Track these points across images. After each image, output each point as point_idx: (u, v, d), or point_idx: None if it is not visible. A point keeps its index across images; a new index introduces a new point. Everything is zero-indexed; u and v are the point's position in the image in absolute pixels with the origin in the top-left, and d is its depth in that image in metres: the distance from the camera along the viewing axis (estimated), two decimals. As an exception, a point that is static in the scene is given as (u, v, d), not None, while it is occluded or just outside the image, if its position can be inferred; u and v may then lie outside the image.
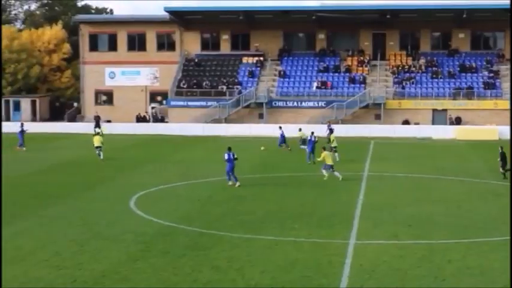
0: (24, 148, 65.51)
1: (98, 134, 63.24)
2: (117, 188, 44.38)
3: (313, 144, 53.78)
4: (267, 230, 32.60)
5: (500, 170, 45.78)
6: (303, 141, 61.06)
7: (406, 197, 41.37)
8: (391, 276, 25.58)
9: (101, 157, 57.38)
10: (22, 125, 69.05)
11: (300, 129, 63.84)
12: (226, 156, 44.66)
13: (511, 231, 23.69)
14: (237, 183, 44.38)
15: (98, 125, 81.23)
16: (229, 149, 45.33)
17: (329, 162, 45.91)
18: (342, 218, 35.13)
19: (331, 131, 66.73)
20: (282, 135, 59.53)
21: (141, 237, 31.70)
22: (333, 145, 54.17)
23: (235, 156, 44.84)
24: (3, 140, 64.83)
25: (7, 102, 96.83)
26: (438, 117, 79.68)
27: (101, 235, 32.23)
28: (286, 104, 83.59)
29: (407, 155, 60.75)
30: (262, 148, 53.03)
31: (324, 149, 46.93)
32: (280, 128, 64.41)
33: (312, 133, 54.94)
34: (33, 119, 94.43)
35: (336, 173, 45.88)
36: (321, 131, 65.61)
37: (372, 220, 34.64)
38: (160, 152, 62.61)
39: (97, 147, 58.40)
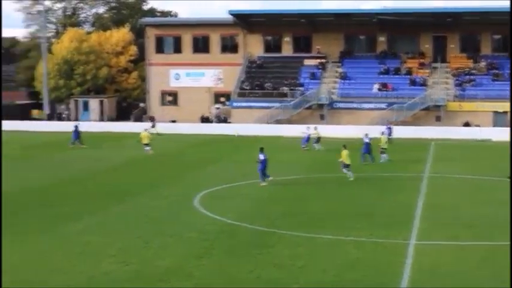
0: (83, 145, 66.64)
1: (145, 130, 64.61)
2: (182, 186, 44.67)
3: (368, 146, 53.42)
4: (328, 229, 32.59)
5: None
6: (317, 139, 63.16)
7: (468, 198, 40.93)
8: (452, 277, 25.42)
9: (150, 152, 60.00)
10: (77, 125, 69.91)
11: (316, 128, 65.26)
12: (261, 157, 44.92)
13: (511, 231, 22.29)
14: (265, 182, 44.71)
15: (153, 125, 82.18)
16: (262, 149, 45.59)
17: (347, 161, 46.16)
18: (402, 219, 34.96)
19: (389, 130, 66.56)
20: (308, 136, 58.74)
21: (205, 235, 31.86)
22: (382, 146, 54.20)
23: (265, 157, 45.04)
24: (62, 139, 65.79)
25: (76, 102, 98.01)
26: (499, 119, 78.54)
27: (166, 232, 32.46)
28: (347, 105, 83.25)
29: (468, 156, 60.03)
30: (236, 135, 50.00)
31: (344, 147, 46.77)
32: (315, 128, 65.68)
33: (366, 135, 54.56)
34: (101, 118, 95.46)
35: (350, 173, 46.24)
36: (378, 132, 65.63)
37: (432, 221, 34.45)
38: (223, 152, 62.81)
39: (145, 144, 60.34)
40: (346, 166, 46.09)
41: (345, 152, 45.92)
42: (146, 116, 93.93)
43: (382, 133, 55.90)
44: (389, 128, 68.20)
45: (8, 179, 48.08)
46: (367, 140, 53.64)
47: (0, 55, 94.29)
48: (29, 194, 42.59)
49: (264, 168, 44.93)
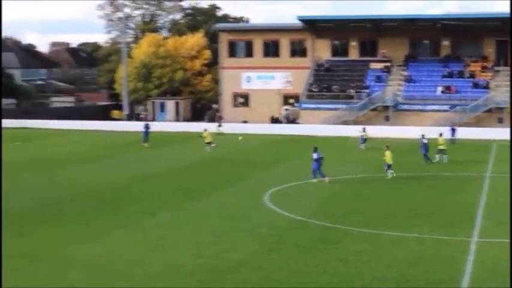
0: (146, 145, 67.22)
1: (205, 130, 65.85)
2: (253, 184, 44.92)
3: (426, 146, 53.18)
4: (392, 226, 32.56)
5: None
6: (364, 140, 63.95)
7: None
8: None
9: (208, 151, 61.89)
10: (147, 125, 70.92)
11: (364, 129, 66.05)
12: (315, 156, 45.12)
13: (511, 231, 21.72)
14: (326, 179, 44.85)
15: (219, 124, 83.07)
16: (316, 149, 45.73)
17: (389, 161, 46.24)
18: (465, 217, 34.73)
19: (453, 131, 66.19)
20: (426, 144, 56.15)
21: (274, 230, 32.07)
22: (440, 148, 53.77)
23: (322, 156, 45.28)
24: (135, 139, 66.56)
25: (153, 103, 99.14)
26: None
27: (238, 227, 32.73)
28: (411, 107, 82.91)
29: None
30: (240, 138, 49.46)
31: (387, 148, 46.89)
32: (363, 129, 66.66)
33: (423, 136, 54.30)
34: (177, 119, 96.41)
35: (389, 172, 46.34)
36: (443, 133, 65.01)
37: (494, 219, 34.09)
38: (292, 151, 62.96)
39: (207, 142, 62.21)
40: (389, 166, 46.17)
41: (388, 153, 46.08)
42: (219, 116, 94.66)
43: (440, 134, 55.23)
44: (453, 129, 67.96)
45: (91, 177, 49.06)
46: (424, 141, 53.39)
47: (0, 57, 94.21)
48: (111, 191, 43.32)
49: (318, 167, 45.24)
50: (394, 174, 45.98)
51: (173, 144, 68.64)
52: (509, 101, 79.41)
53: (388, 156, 45.90)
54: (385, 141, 61.83)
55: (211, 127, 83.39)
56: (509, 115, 74.83)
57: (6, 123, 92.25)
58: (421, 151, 53.48)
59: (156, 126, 78.19)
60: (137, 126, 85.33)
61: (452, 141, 65.36)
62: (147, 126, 69.54)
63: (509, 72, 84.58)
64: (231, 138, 73.86)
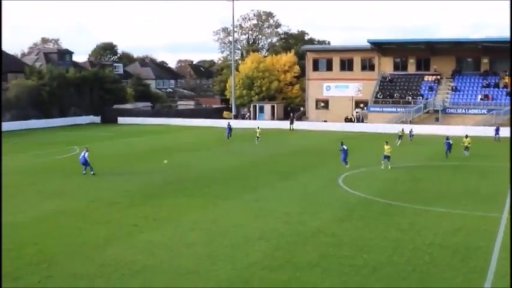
0: (229, 140, 67.18)
1: (258, 128, 66.92)
2: (330, 169, 44.86)
3: (449, 145, 51.52)
4: (440, 203, 32.34)
5: None
6: (400, 137, 62.38)
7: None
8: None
9: (257, 143, 63.17)
10: (229, 123, 71.37)
11: (403, 129, 65.89)
12: (344, 147, 45.95)
13: (511, 231, 21.38)
14: (347, 165, 45.02)
15: (292, 122, 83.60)
16: (342, 143, 46.66)
17: (387, 153, 44.79)
18: (497, 198, 34.10)
19: (497, 131, 65.22)
20: (449, 143, 53.01)
21: (346, 205, 32.16)
22: (465, 145, 52.32)
23: (347, 148, 46.09)
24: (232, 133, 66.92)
25: (255, 106, 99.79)
26: None
27: (317, 202, 32.95)
28: (456, 111, 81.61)
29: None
30: (165, 161, 47.29)
31: (386, 143, 45.52)
32: (402, 129, 66.16)
33: (448, 137, 52.60)
34: (272, 118, 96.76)
35: (384, 162, 44.96)
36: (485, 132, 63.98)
37: (520, 199, 33.56)
38: (361, 144, 62.64)
39: (258, 137, 64.02)
40: (387, 157, 44.72)
41: (386, 147, 44.83)
42: (305, 117, 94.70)
43: (466, 136, 53.59)
44: (497, 129, 66.72)
45: (206, 161, 49.77)
46: (449, 141, 51.74)
47: (0, 60, 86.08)
48: (221, 172, 43.91)
49: (345, 156, 45.74)
50: (390, 166, 44.65)
51: (269, 137, 68.96)
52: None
53: (386, 149, 44.90)
54: (432, 137, 61.13)
55: (303, 125, 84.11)
56: (510, 114, 72.77)
57: (144, 121, 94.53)
58: (445, 147, 51.69)
59: (258, 123, 79.39)
60: (242, 123, 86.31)
61: (497, 139, 64.26)
62: (229, 126, 69.95)
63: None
64: (313, 134, 73.84)
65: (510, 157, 41.10)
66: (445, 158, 50.44)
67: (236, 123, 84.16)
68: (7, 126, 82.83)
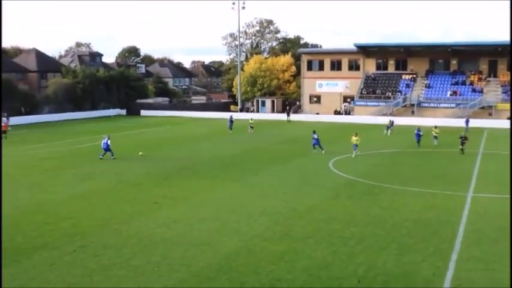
0: (231, 131, 64.11)
1: (252, 119, 66.30)
2: (322, 154, 44.72)
3: (419, 136, 49.65)
4: (415, 184, 32.34)
5: None
6: (387, 127, 61.84)
7: (508, 167, 39.28)
8: (496, 215, 25.01)
9: (250, 132, 62.14)
10: (231, 116, 68.11)
11: (390, 120, 64.22)
12: (314, 136, 46.16)
13: (511, 230, 20.48)
14: (323, 151, 45.03)
15: (288, 114, 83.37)
16: (314, 131, 46.91)
17: (355, 143, 43.88)
18: (464, 179, 34.14)
19: (467, 122, 64.72)
20: (418, 134, 50.83)
21: (335, 186, 32.16)
22: (434, 134, 51.12)
23: (317, 136, 46.16)
24: (237, 125, 66.77)
25: (257, 101, 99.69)
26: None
27: (310, 183, 32.91)
28: (429, 105, 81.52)
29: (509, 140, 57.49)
30: (140, 153, 44.58)
31: (356, 134, 44.50)
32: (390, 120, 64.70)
33: (419, 128, 50.86)
34: (272, 111, 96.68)
35: (355, 151, 43.83)
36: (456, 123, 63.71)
37: (484, 181, 33.63)
38: (348, 133, 62.34)
39: (251, 127, 63.23)
40: (355, 146, 43.86)
41: (355, 138, 43.96)
42: (300, 110, 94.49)
43: (435, 126, 52.95)
44: (467, 121, 66.21)
45: (215, 149, 49.72)
46: (419, 132, 49.89)
47: (0, 58, 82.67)
48: (228, 158, 43.90)
49: (316, 143, 45.80)
50: (358, 153, 43.96)
51: (270, 127, 68.92)
52: (496, 101, 77.71)
53: (354, 139, 43.86)
54: (409, 128, 60.92)
55: (297, 117, 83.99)
56: (510, 113, 72.23)
57: (163, 113, 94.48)
58: (415, 138, 50.13)
59: (258, 116, 79.10)
60: (247, 115, 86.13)
61: (467, 130, 63.31)
62: (231, 118, 67.15)
63: (497, 82, 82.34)
64: (307, 125, 73.70)
65: (510, 154, 39.79)
66: (418, 147, 50.20)
67: (241, 116, 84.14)
68: (46, 118, 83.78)
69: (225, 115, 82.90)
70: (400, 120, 74.55)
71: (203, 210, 26.16)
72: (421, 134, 49.88)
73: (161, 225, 23.51)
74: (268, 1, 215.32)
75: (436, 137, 51.31)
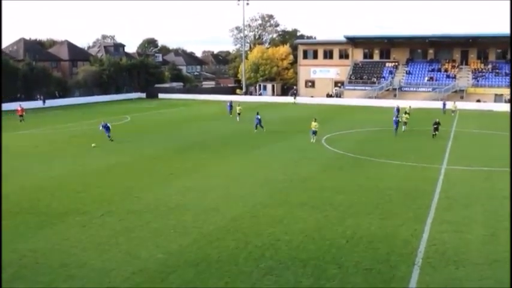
0: (230, 116, 59.26)
1: (239, 105, 60.09)
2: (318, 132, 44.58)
3: (397, 122, 43.85)
4: (395, 158, 32.27)
5: None
6: (405, 112, 51.92)
7: (477, 142, 39.32)
8: (466, 184, 25.02)
9: (238, 120, 54.42)
10: (230, 102, 63.01)
11: (410, 107, 59.47)
12: (257, 116, 45.16)
13: (511, 229, 18.36)
14: (264, 129, 44.32)
15: (294, 97, 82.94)
16: (258, 113, 46.30)
17: (314, 129, 39.06)
18: (438, 154, 34.05)
19: (444, 105, 63.47)
20: (258, 118, 46.25)
21: (326, 159, 32.11)
22: (404, 120, 45.55)
23: (260, 117, 45.18)
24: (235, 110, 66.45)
25: (260, 86, 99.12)
26: (498, 99, 74.48)
27: (306, 157, 32.86)
28: (409, 89, 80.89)
29: (478, 119, 57.19)
30: (93, 145, 37.86)
31: (315, 120, 39.66)
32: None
33: (397, 116, 46.89)
34: (273, 94, 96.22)
35: (313, 137, 39.00)
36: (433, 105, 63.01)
37: (455, 155, 33.55)
38: (338, 114, 62.31)
39: (239, 114, 55.40)
40: (314, 132, 39.07)
41: (314, 123, 39.19)
42: (296, 93, 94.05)
43: (405, 112, 47.39)
44: (444, 104, 64.53)
45: (222, 127, 49.57)
46: (397, 119, 44.57)
47: (0, 57, 76.45)
48: (233, 136, 43.80)
49: (258, 123, 44.77)
50: (313, 140, 38.88)
51: (270, 109, 68.69)
52: (467, 86, 77.31)
53: (314, 125, 39.10)
54: (391, 109, 60.68)
55: (290, 99, 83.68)
56: (510, 112, 71.94)
57: (178, 96, 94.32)
58: (393, 125, 44.01)
59: (262, 98, 78.66)
60: (250, 98, 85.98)
61: (444, 112, 61.83)
62: (230, 103, 62.16)
63: (468, 69, 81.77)
64: (303, 107, 73.47)
65: (510, 156, 36.27)
66: (416, 123, 48.24)
67: (246, 98, 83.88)
68: (77, 100, 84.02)
69: (231, 98, 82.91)
70: (383, 103, 74.56)
71: (212, 180, 26.18)
72: (399, 120, 45.02)
73: (176, 193, 23.56)
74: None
75: (405, 123, 45.70)
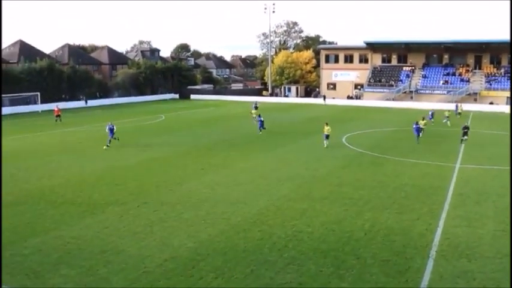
0: (252, 112, 56.27)
1: (254, 109, 59.55)
2: (337, 131, 43.90)
3: (418, 129, 39.05)
4: (412, 156, 31.90)
5: None
6: (446, 117, 50.91)
7: (489, 141, 38.52)
8: (478, 182, 24.59)
9: (254, 123, 51.46)
10: (256, 102, 61.83)
11: (458, 106, 60.01)
12: (260, 118, 43.49)
13: (511, 229, 17.63)
14: (261, 132, 42.69)
15: (324, 99, 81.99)
16: (260, 115, 44.60)
17: (327, 133, 35.47)
18: (453, 152, 33.52)
19: (456, 107, 62.02)
20: (261, 120, 44.17)
21: (346, 157, 31.88)
22: (421, 126, 40.42)
23: (262, 119, 43.35)
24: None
25: (284, 88, 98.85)
26: (510, 101, 72.70)
27: (327, 154, 32.70)
28: (425, 92, 79.74)
29: (492, 121, 56.10)
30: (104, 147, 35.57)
31: (327, 124, 36.20)
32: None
33: (417, 122, 39.88)
34: (297, 96, 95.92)
35: (326, 141, 35.50)
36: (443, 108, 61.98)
37: (468, 156, 32.85)
38: (358, 115, 61.79)
39: (254, 117, 51.88)
40: (327, 137, 35.49)
41: (326, 127, 35.68)
42: (320, 95, 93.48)
43: (423, 118, 42.52)
44: (457, 106, 63.44)
45: (248, 125, 49.55)
46: (418, 126, 39.44)
47: (0, 57, 75.32)
48: (262, 133, 43.78)
49: (261, 124, 43.11)
50: (326, 144, 35.40)
51: (295, 109, 68.47)
52: (480, 89, 75.89)
53: (326, 129, 35.63)
54: (408, 110, 59.94)
55: (319, 101, 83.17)
56: (510, 112, 69.98)
57: (208, 97, 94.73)
58: (414, 133, 39.09)
59: (288, 100, 78.39)
60: (276, 99, 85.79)
61: (457, 113, 60.35)
62: (256, 104, 61.40)
63: (481, 73, 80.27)
64: (331, 108, 73.03)
65: (510, 155, 34.59)
66: (433, 124, 47.38)
67: (272, 99, 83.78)
68: (116, 100, 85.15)
69: (258, 99, 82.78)
70: (400, 104, 73.70)
71: (240, 175, 26.24)
72: (421, 126, 39.99)
73: (206, 187, 23.68)
74: (294, 5, 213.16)
75: (422, 129, 40.48)
